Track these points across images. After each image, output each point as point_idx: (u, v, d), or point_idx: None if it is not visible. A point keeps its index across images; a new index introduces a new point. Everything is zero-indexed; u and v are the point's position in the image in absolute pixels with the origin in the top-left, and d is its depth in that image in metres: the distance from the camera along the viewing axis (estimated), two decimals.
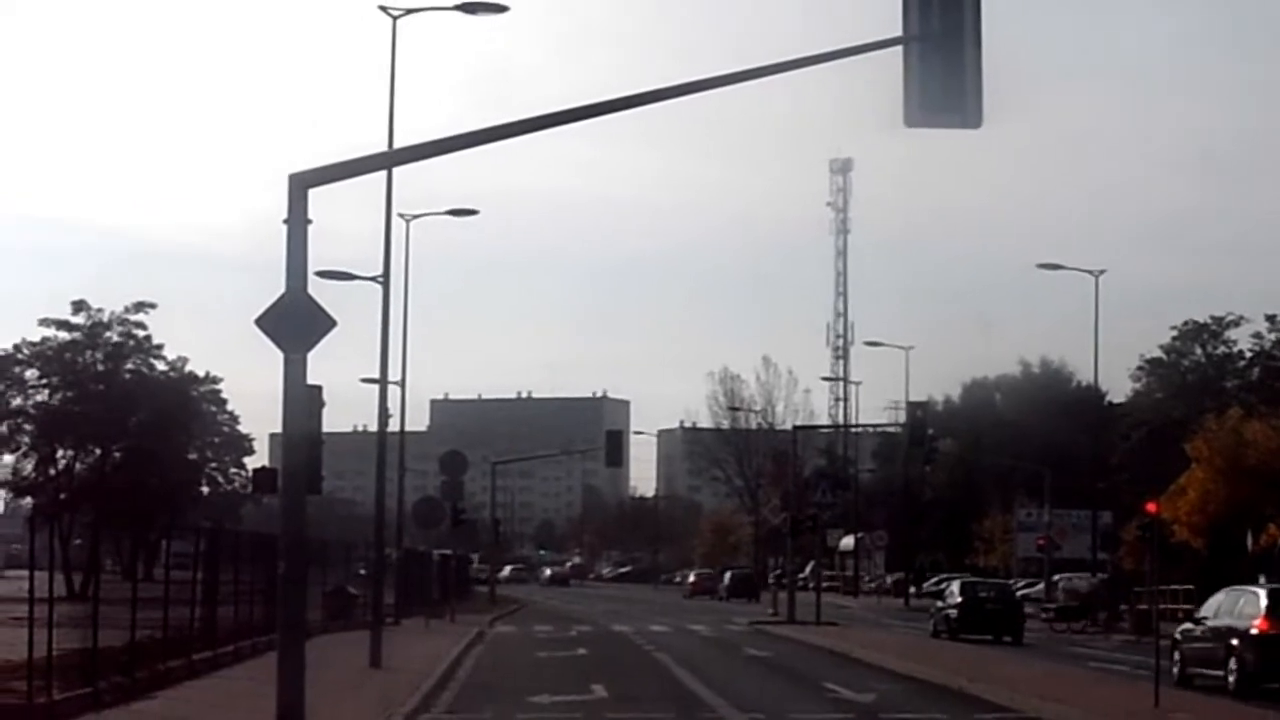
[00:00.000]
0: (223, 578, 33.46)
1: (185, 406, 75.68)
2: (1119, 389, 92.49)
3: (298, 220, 17.36)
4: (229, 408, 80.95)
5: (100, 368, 73.57)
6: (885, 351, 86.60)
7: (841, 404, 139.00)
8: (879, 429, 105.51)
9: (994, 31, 18.56)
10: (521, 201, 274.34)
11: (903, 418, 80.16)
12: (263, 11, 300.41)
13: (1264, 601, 30.57)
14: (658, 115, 19.73)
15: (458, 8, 35.99)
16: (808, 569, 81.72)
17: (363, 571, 50.12)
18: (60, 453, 73.77)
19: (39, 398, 73.75)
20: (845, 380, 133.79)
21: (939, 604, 54.57)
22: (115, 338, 73.51)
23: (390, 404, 42.54)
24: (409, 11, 36.62)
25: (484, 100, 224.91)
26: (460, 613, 57.70)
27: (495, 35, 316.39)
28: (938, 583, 79.32)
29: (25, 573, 25.96)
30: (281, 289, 17.32)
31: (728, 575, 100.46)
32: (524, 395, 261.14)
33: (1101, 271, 67.30)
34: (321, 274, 37.13)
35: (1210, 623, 31.87)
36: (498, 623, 57.64)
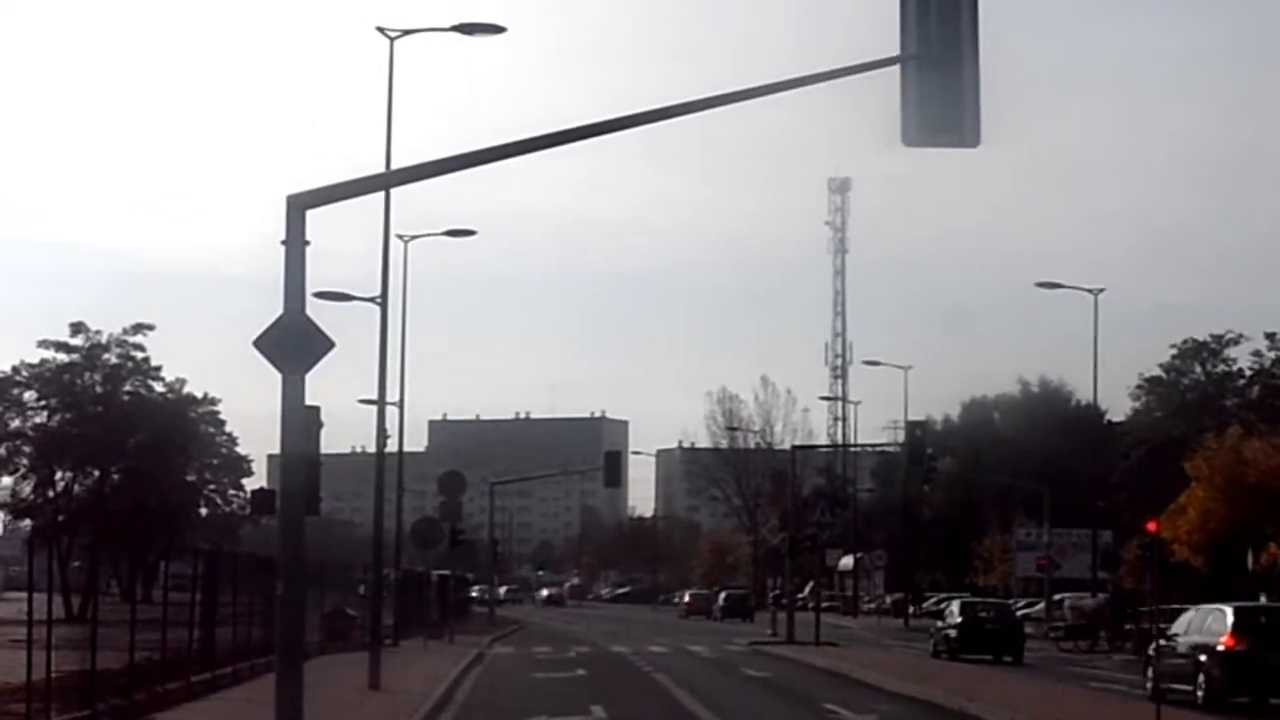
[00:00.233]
0: (221, 599, 33.40)
1: (183, 428, 75.59)
2: (1118, 407, 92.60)
3: (295, 241, 17.33)
4: (227, 429, 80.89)
5: (99, 389, 73.48)
6: (884, 371, 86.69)
7: (840, 423, 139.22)
8: (878, 448, 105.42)
9: (991, 50, 18.54)
10: (519, 221, 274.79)
11: (902, 437, 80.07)
12: (261, 33, 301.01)
13: (1230, 619, 31.74)
14: (655, 135, 19.66)
15: (455, 29, 36.02)
16: (807, 589, 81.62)
17: (363, 592, 50.04)
18: (59, 474, 73.66)
19: (37, 419, 73.65)
20: (844, 400, 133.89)
21: (939, 624, 54.48)
22: (114, 359, 73.43)
23: (389, 425, 42.56)
24: (406, 32, 36.64)
25: (481, 120, 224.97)
26: (459, 633, 57.63)
27: (492, 56, 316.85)
28: (937, 602, 79.24)
29: (24, 595, 25.84)
30: (279, 310, 17.29)
31: (722, 595, 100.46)
32: (522, 416, 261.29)
33: (1100, 290, 67.38)
34: (320, 295, 37.12)
35: (1181, 639, 32.89)
36: (496, 644, 57.56)
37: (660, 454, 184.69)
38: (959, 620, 51.34)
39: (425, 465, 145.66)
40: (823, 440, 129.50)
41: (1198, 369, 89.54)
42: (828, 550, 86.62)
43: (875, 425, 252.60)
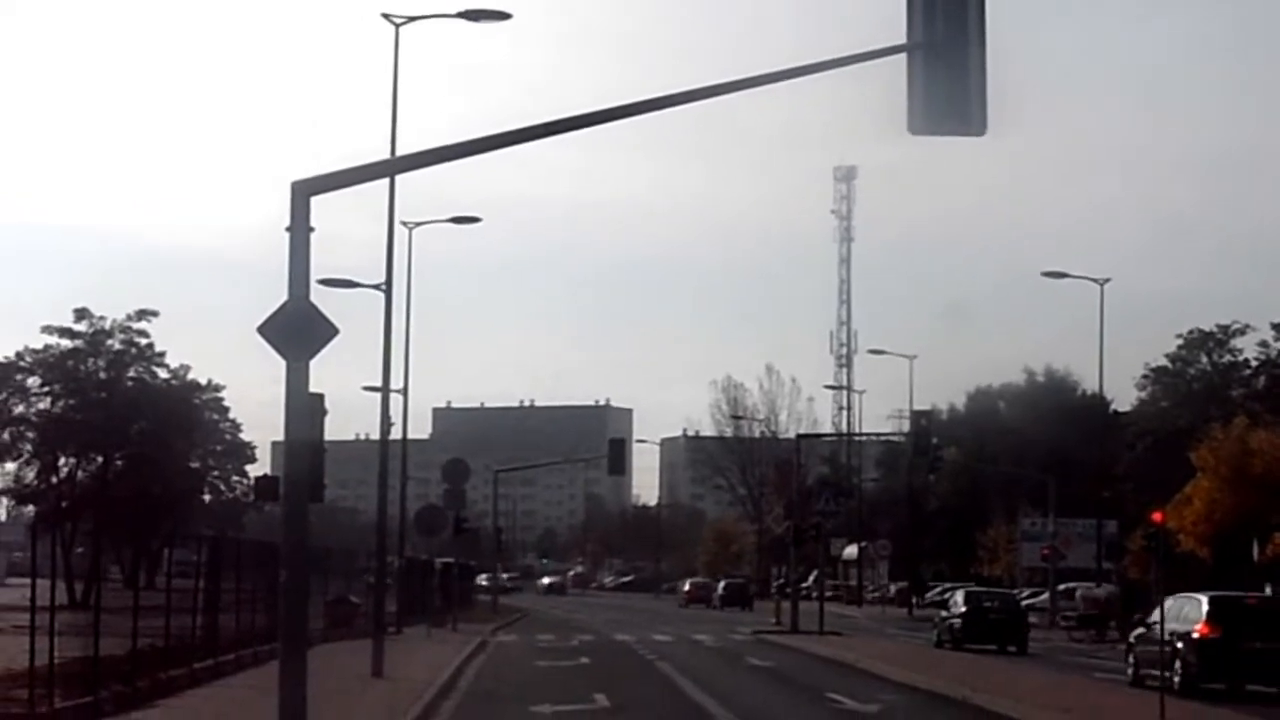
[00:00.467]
0: (225, 586, 33.39)
1: (187, 414, 75.55)
2: (1124, 397, 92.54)
3: (300, 228, 17.28)
4: (231, 415, 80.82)
5: (102, 375, 73.44)
6: (889, 360, 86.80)
7: (845, 412, 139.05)
8: (883, 437, 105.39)
9: (998, 38, 18.48)
10: (524, 208, 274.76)
11: (907, 426, 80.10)
12: (266, 19, 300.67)
13: (1205, 608, 32.91)
14: (661, 122, 19.60)
15: (460, 15, 35.93)
16: (811, 578, 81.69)
17: (372, 580, 49.97)
18: (62, 461, 73.65)
19: (41, 405, 73.62)
20: (849, 389, 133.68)
21: (943, 614, 54.44)
22: (117, 345, 73.38)
23: (392, 412, 42.43)
24: (411, 19, 36.58)
25: (486, 106, 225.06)
26: (462, 622, 57.62)
27: (498, 42, 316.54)
28: (941, 592, 79.19)
29: (27, 581, 25.84)
30: (284, 296, 17.25)
31: (721, 584, 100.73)
32: (526, 403, 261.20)
33: (1106, 280, 67.25)
34: (324, 282, 37.08)
35: (1159, 627, 33.46)
36: (500, 632, 57.55)
37: (664, 442, 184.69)
38: (963, 610, 51.30)
39: (429, 453, 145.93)
40: (827, 429, 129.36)
41: (1204, 359, 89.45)
42: (832, 539, 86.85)
43: (880, 414, 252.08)
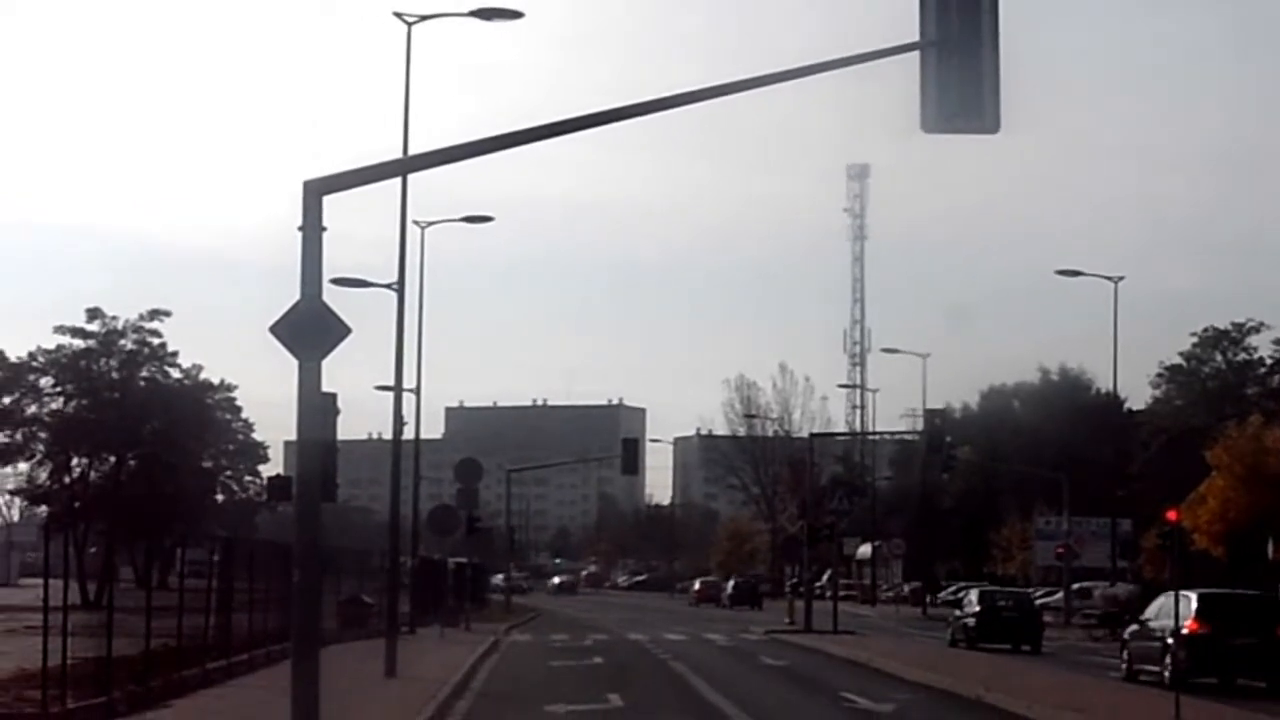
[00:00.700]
0: (237, 586, 33.37)
1: (200, 414, 75.63)
2: (1138, 396, 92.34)
3: (312, 227, 17.26)
4: (244, 415, 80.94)
5: (115, 375, 73.51)
6: (903, 358, 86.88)
7: (858, 411, 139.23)
8: (896, 436, 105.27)
9: (1011, 36, 18.44)
10: (537, 207, 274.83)
11: (920, 425, 79.98)
12: (278, 18, 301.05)
13: (1195, 604, 33.81)
14: (673, 120, 19.56)
15: (472, 13, 35.92)
16: (825, 577, 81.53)
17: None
18: (75, 461, 73.73)
19: (54, 406, 73.72)
20: (862, 387, 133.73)
21: (957, 613, 54.32)
22: (130, 345, 73.46)
23: (405, 411, 42.51)
24: (424, 18, 36.58)
25: (499, 105, 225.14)
26: (475, 621, 57.60)
27: (510, 40, 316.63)
28: (955, 591, 79.06)
29: (40, 581, 25.83)
30: (296, 296, 17.22)
31: (730, 583, 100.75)
32: (539, 403, 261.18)
33: (1121, 278, 67.14)
34: (336, 281, 37.10)
35: (1151, 624, 35.10)
36: (513, 631, 57.52)
37: (678, 441, 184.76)
38: (977, 609, 51.15)
39: (442, 452, 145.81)
40: (841, 428, 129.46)
41: (1218, 357, 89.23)
42: (846, 538, 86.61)
43: (894, 413, 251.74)
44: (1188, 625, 33.19)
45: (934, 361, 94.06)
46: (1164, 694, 28.19)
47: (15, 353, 73.74)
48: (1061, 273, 67.76)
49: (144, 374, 74.35)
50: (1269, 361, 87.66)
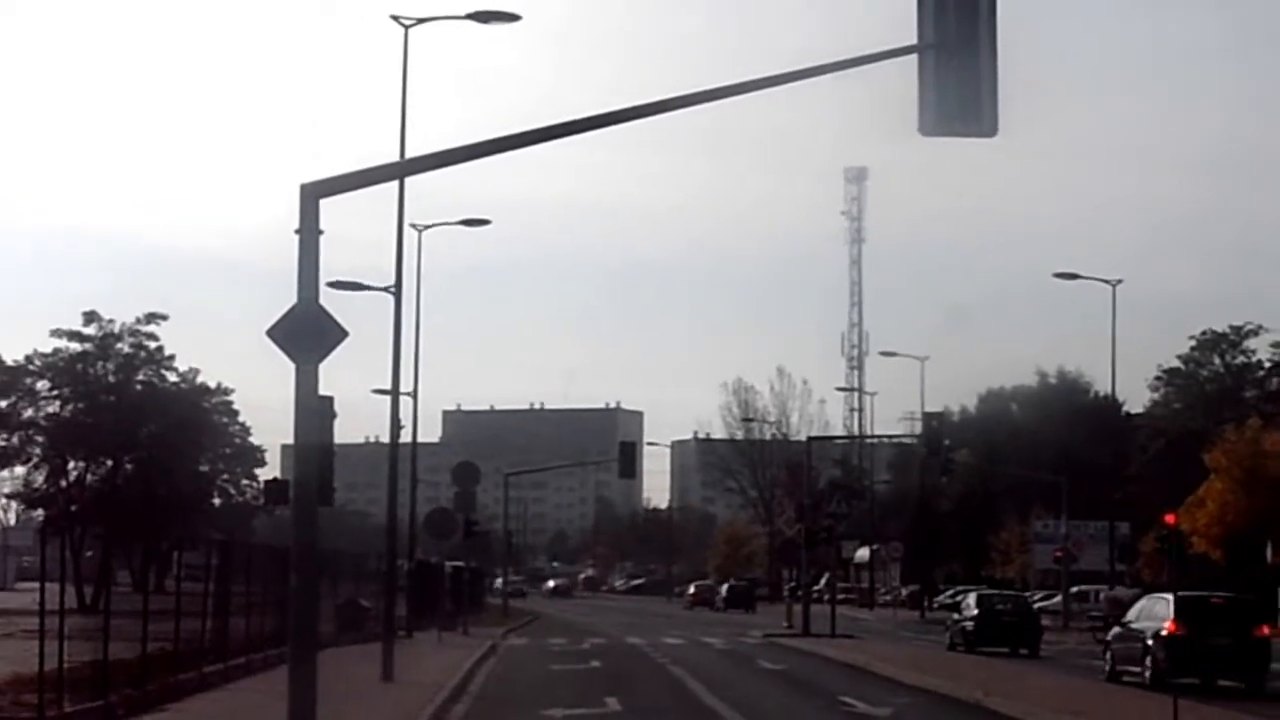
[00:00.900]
0: (234, 590, 33.31)
1: (196, 418, 75.55)
2: (1136, 399, 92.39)
3: (309, 230, 17.22)
4: (240, 419, 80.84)
5: (111, 379, 73.45)
6: (900, 362, 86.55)
7: (856, 414, 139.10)
8: (894, 439, 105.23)
9: (1009, 38, 18.41)
10: (534, 210, 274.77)
11: (918, 428, 79.87)
12: (275, 21, 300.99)
13: (1173, 606, 34.66)
14: (670, 123, 19.53)
15: (470, 16, 35.88)
16: (823, 581, 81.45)
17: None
18: (71, 464, 73.66)
19: (50, 409, 73.66)
20: (860, 391, 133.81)
21: (955, 616, 54.27)
22: (126, 349, 73.42)
23: (402, 415, 42.49)
24: (421, 21, 36.54)
25: (495, 108, 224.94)
26: (473, 625, 57.53)
27: (507, 43, 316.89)
28: (953, 595, 79.00)
29: (36, 585, 25.78)
30: (293, 299, 17.18)
31: (724, 587, 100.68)
32: (537, 406, 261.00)
33: (1119, 281, 67.09)
34: (333, 284, 37.04)
35: (1133, 625, 36.14)
36: (511, 635, 57.46)
37: (675, 445, 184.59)
38: (975, 612, 51.11)
39: (439, 456, 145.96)
40: (839, 431, 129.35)
41: (1216, 360, 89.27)
42: (843, 542, 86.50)
43: (892, 416, 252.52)
44: (1166, 627, 34.09)
45: (932, 364, 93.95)
46: (1162, 698, 28.12)
47: (12, 356, 73.77)
48: (1060, 275, 67.72)
49: (140, 377, 74.30)
50: (1267, 365, 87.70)
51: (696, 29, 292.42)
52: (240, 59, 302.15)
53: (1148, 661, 34.40)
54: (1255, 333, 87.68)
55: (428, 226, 49.25)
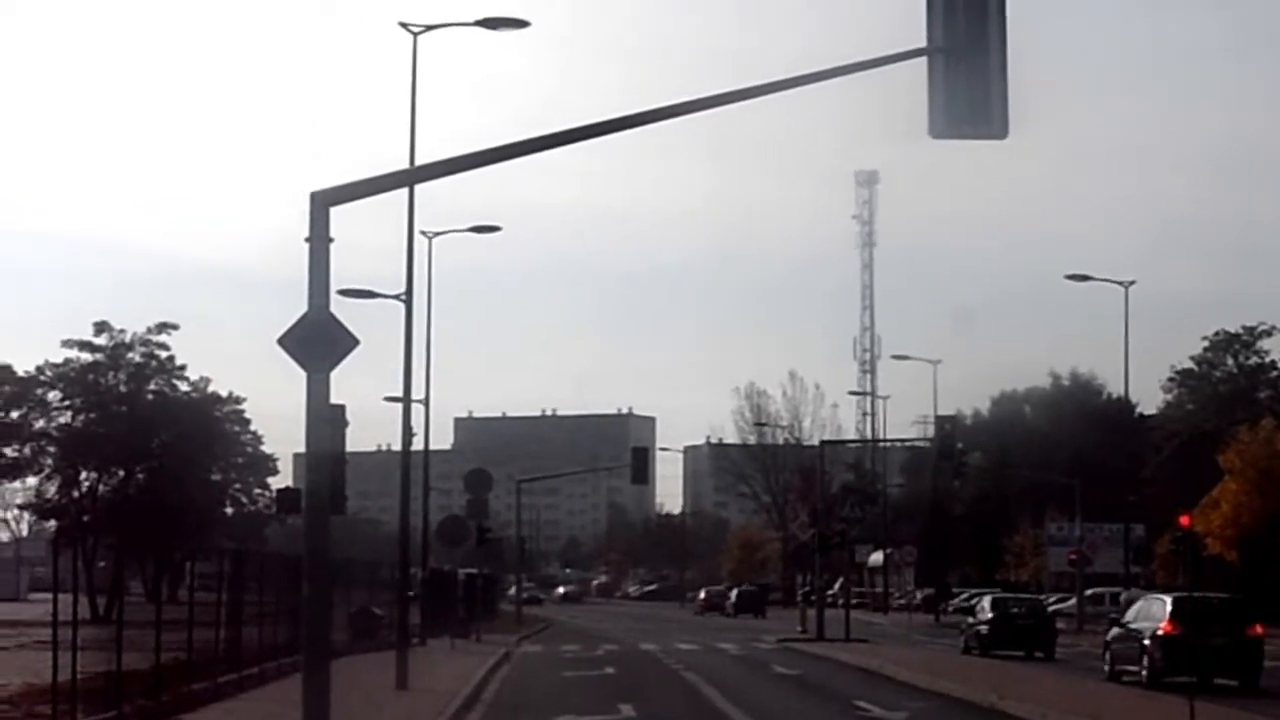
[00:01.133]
0: (247, 599, 33.26)
1: (208, 427, 75.63)
2: (1150, 400, 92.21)
3: (320, 238, 17.19)
4: (252, 428, 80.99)
5: (123, 389, 73.54)
6: (913, 365, 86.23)
7: (869, 418, 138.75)
8: (907, 443, 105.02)
9: (1018, 40, 18.37)
10: (545, 216, 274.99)
11: (931, 432, 79.70)
12: (284, 30, 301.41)
13: (1169, 607, 35.67)
14: (680, 128, 19.48)
15: (478, 23, 35.83)
16: (837, 585, 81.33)
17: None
18: (83, 475, 73.73)
19: (62, 420, 73.76)
20: (873, 394, 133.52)
21: (969, 620, 54.13)
22: (138, 359, 73.50)
23: (414, 422, 42.30)
24: (430, 28, 36.48)
25: (505, 115, 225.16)
26: (486, 632, 57.48)
27: (516, 50, 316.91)
28: (968, 598, 78.87)
29: (49, 596, 25.75)
30: (304, 307, 17.15)
31: (734, 592, 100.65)
32: (549, 412, 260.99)
33: (1131, 282, 66.90)
34: (344, 292, 37.00)
35: (1130, 625, 37.00)
36: (524, 642, 57.40)
37: (688, 450, 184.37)
38: (990, 616, 50.98)
39: (451, 463, 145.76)
40: (851, 435, 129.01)
41: (1230, 361, 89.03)
42: (857, 546, 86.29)
43: (904, 420, 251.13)
44: (1162, 627, 34.91)
45: (944, 368, 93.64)
46: (1178, 700, 28.02)
47: (23, 367, 73.90)
48: (1071, 277, 67.50)
49: (152, 387, 74.38)
50: None
51: (705, 34, 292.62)
52: (249, 68, 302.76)
53: (1145, 661, 35.14)
54: (1269, 333, 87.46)
55: (438, 233, 49.17)
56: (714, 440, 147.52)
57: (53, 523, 76.91)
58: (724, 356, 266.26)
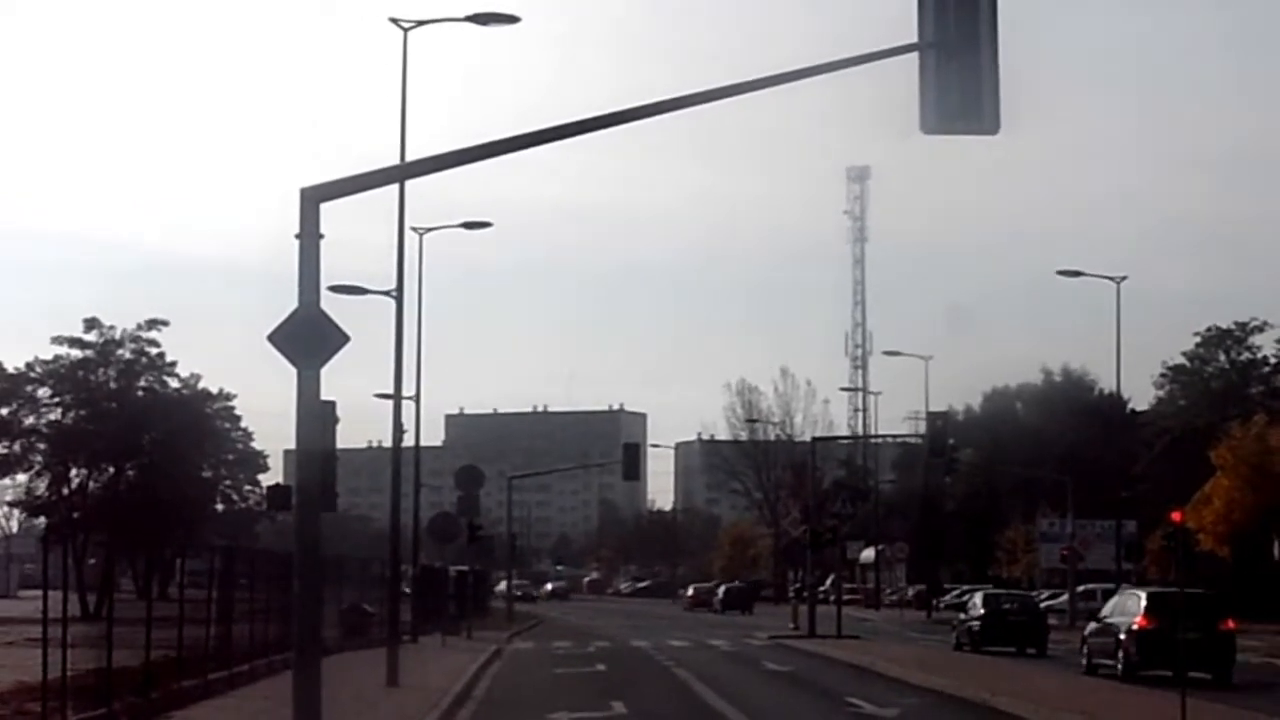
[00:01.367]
0: (238, 596, 33.21)
1: (198, 424, 75.50)
2: (1142, 396, 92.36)
3: (310, 235, 17.15)
4: (243, 424, 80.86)
5: (113, 385, 73.38)
6: (904, 361, 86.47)
7: (860, 414, 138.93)
8: (899, 439, 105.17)
9: (1010, 36, 18.35)
10: (536, 211, 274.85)
11: (922, 428, 79.80)
12: (274, 26, 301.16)
13: (1144, 602, 36.67)
14: (672, 123, 19.43)
15: (469, 19, 35.78)
16: (828, 581, 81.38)
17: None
18: (73, 471, 73.58)
19: (52, 416, 73.59)
20: (864, 390, 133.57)
21: (961, 616, 54.15)
22: (128, 355, 73.34)
23: (405, 419, 42.32)
24: (420, 23, 36.44)
25: (495, 110, 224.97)
26: (477, 629, 57.43)
27: (506, 46, 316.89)
28: (960, 595, 78.90)
29: (39, 593, 25.67)
30: (294, 304, 17.10)
31: (721, 589, 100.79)
32: (540, 409, 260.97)
33: (1123, 278, 66.86)
34: (334, 289, 36.90)
35: (1107, 620, 37.93)
36: (515, 639, 57.36)
37: (679, 446, 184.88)
38: (982, 612, 50.99)
39: (442, 460, 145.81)
40: (843, 431, 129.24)
41: (1222, 357, 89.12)
42: (849, 542, 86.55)
43: (896, 416, 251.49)
44: (1137, 621, 35.82)
45: (936, 364, 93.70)
46: (1169, 695, 28.01)
47: (13, 363, 73.70)
48: (1063, 273, 67.47)
49: (142, 384, 74.25)
50: (1273, 361, 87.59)
51: (696, 30, 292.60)
52: (240, 64, 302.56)
53: (1120, 655, 36.04)
54: (1260, 329, 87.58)
55: (429, 230, 49.15)
56: (705, 437, 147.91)
57: (43, 519, 76.77)
58: (715, 352, 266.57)
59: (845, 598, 71.51)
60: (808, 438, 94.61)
